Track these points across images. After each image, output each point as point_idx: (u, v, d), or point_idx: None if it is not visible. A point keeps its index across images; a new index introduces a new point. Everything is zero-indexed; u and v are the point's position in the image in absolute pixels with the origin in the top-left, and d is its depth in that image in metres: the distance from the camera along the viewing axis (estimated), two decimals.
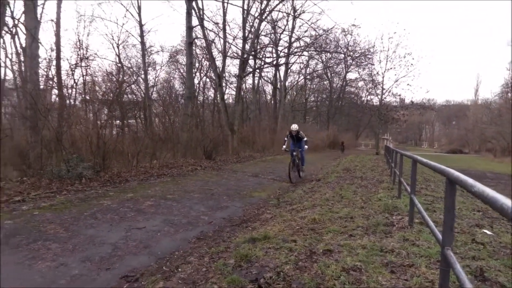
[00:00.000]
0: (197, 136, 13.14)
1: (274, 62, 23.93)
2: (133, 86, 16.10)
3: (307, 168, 10.78)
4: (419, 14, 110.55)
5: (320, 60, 32.51)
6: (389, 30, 57.84)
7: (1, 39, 10.72)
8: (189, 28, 14.00)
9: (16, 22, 11.79)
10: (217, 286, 2.67)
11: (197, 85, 23.71)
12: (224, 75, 20.05)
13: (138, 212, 5.21)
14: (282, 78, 29.02)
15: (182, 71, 22.03)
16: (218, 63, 18.18)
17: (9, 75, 13.86)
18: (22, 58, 11.49)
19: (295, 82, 36.20)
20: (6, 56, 12.51)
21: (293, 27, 24.75)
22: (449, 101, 76.45)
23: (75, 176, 6.72)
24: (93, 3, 31.34)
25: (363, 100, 38.33)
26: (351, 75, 40.66)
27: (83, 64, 11.03)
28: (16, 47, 12.85)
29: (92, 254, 3.57)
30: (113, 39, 21.99)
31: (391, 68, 30.41)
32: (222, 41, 16.80)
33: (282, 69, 28.06)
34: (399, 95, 31.70)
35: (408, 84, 41.71)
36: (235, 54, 18.75)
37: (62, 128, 7.22)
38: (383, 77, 29.85)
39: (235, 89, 19.63)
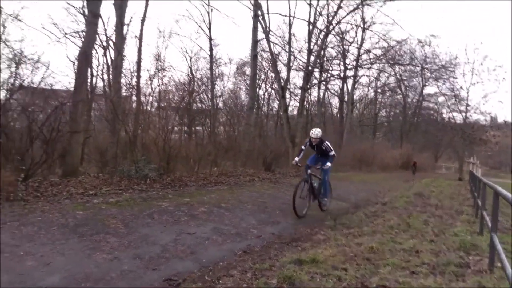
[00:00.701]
0: (258, 146, 13.25)
1: (341, 75, 23.13)
2: (201, 95, 17.18)
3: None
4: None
5: (392, 73, 30.26)
6: (474, 40, 51.44)
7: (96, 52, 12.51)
8: (255, 42, 14.54)
9: (107, 38, 13.74)
10: None
11: (262, 96, 24.17)
12: (288, 87, 20.07)
13: (191, 217, 5.35)
14: (349, 91, 27.86)
15: (248, 82, 22.77)
16: (283, 74, 18.31)
17: (100, 84, 16.00)
18: (110, 69, 13.26)
19: (364, 96, 34.35)
20: (98, 67, 14.62)
21: (362, 39, 23.69)
22: None
23: (142, 176, 7.29)
24: (172, 21, 34.65)
25: (444, 117, 34.53)
26: (429, 89, 36.85)
27: (159, 74, 12.29)
28: (106, 60, 14.91)
29: (143, 252, 3.74)
30: (186, 52, 23.81)
31: (477, 82, 26.88)
32: (287, 53, 16.95)
33: (350, 81, 26.98)
34: (489, 113, 27.78)
35: (500, 101, 36.30)
36: (300, 67, 18.68)
37: (136, 131, 7.97)
38: (468, 92, 26.53)
39: (299, 101, 19.46)
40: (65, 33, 13.32)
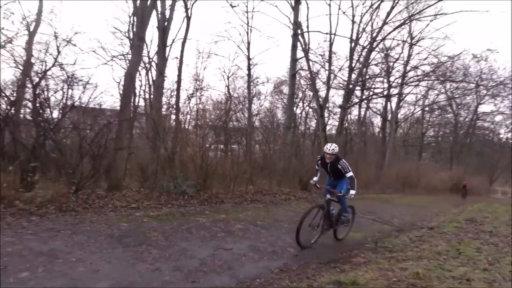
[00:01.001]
0: (294, 165, 13.13)
1: (385, 93, 22.19)
2: (238, 114, 17.54)
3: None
4: None
5: (443, 90, 28.27)
6: None
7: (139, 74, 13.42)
8: (294, 61, 14.45)
9: (150, 60, 14.72)
10: None
11: (299, 115, 23.99)
12: (327, 105, 19.69)
13: (228, 233, 5.43)
14: (393, 110, 26.71)
15: (285, 101, 22.75)
16: (322, 93, 18.06)
17: (141, 103, 17.03)
18: (152, 89, 14.12)
19: (410, 114, 32.52)
20: (141, 87, 15.64)
21: (409, 55, 22.62)
22: None
23: (180, 192, 7.54)
24: (211, 41, 36.06)
25: (502, 138, 31.70)
26: (485, 108, 33.98)
27: (198, 94, 12.84)
28: (148, 80, 15.93)
29: (182, 265, 3.87)
30: (224, 72, 24.47)
31: None
32: (326, 72, 16.69)
33: (394, 100, 25.88)
34: None
35: None
36: (340, 85, 18.30)
37: (175, 148, 8.33)
38: None
39: (338, 120, 18.99)
40: (113, 56, 14.51)
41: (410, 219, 9.28)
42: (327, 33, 15.79)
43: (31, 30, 9.82)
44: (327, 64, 16.29)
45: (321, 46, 22.94)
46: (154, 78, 13.46)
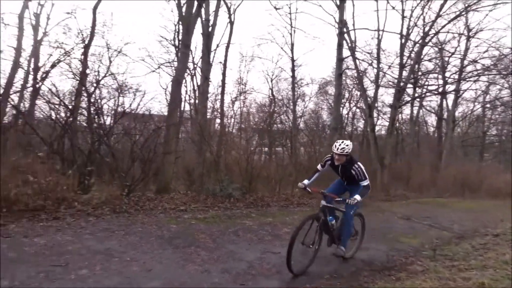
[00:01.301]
0: None
1: (440, 90, 20.54)
2: (282, 116, 17.42)
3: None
4: None
5: (506, 85, 25.39)
6: None
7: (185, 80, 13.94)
8: (339, 60, 14.00)
9: (195, 65, 15.21)
10: None
11: (346, 116, 23.20)
12: (376, 105, 18.76)
13: (275, 237, 5.36)
14: (450, 108, 24.67)
15: (330, 101, 22.10)
16: (370, 92, 17.23)
17: (187, 108, 17.54)
18: (197, 94, 14.55)
19: (469, 112, 29.72)
20: (186, 93, 16.17)
21: (467, 49, 20.65)
22: None
23: (226, 195, 7.61)
24: (254, 45, 36.24)
25: None
26: None
27: (241, 97, 12.99)
28: (193, 85, 16.45)
29: (230, 267, 3.88)
30: (267, 74, 24.42)
31: None
32: (374, 70, 15.94)
33: (451, 97, 23.85)
34: None
35: None
36: (390, 83, 17.31)
37: (220, 152, 8.48)
38: None
39: (388, 120, 17.93)
40: (160, 64, 15.22)
41: (472, 225, 8.44)
42: (375, 30, 15.13)
43: (86, 43, 10.69)
44: (375, 62, 15.57)
45: (369, 43, 21.88)
46: (199, 83, 13.85)
